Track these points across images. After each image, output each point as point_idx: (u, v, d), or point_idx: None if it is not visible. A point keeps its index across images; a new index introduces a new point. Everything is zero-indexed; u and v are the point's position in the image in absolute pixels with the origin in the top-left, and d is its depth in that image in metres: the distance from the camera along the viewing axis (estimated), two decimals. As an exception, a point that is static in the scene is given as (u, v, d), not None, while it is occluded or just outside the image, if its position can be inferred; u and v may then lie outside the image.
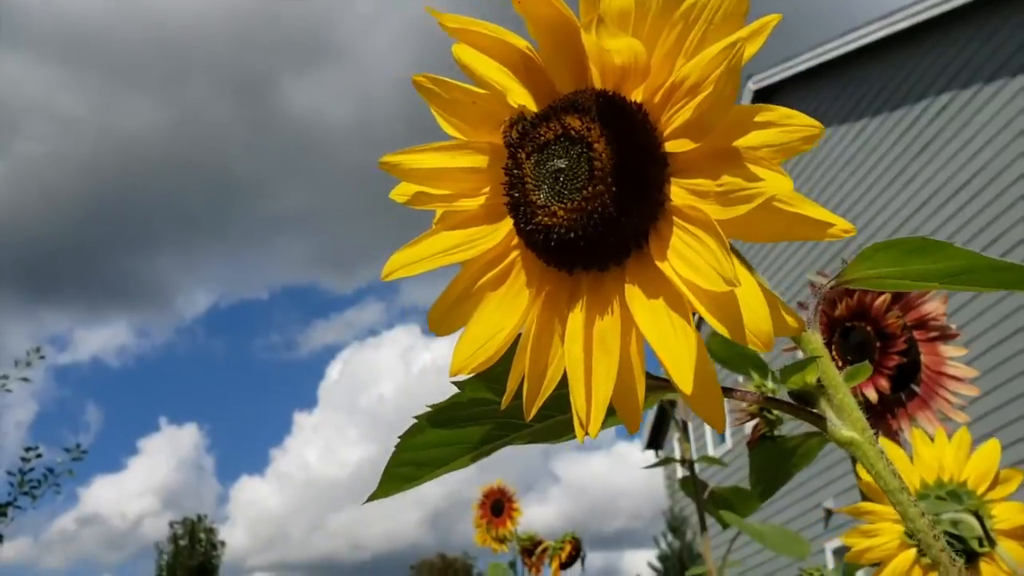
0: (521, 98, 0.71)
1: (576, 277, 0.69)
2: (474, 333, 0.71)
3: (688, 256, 0.61)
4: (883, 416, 1.44)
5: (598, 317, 0.66)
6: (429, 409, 0.79)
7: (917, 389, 1.43)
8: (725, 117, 0.60)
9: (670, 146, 0.64)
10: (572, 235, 0.65)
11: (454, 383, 0.75)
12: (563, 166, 0.65)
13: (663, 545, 22.24)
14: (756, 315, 0.58)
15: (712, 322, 0.59)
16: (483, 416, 0.78)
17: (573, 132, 0.65)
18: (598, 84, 0.67)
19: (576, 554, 3.36)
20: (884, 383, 1.36)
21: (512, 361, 0.70)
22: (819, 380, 0.70)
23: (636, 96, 0.66)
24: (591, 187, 0.64)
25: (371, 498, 0.85)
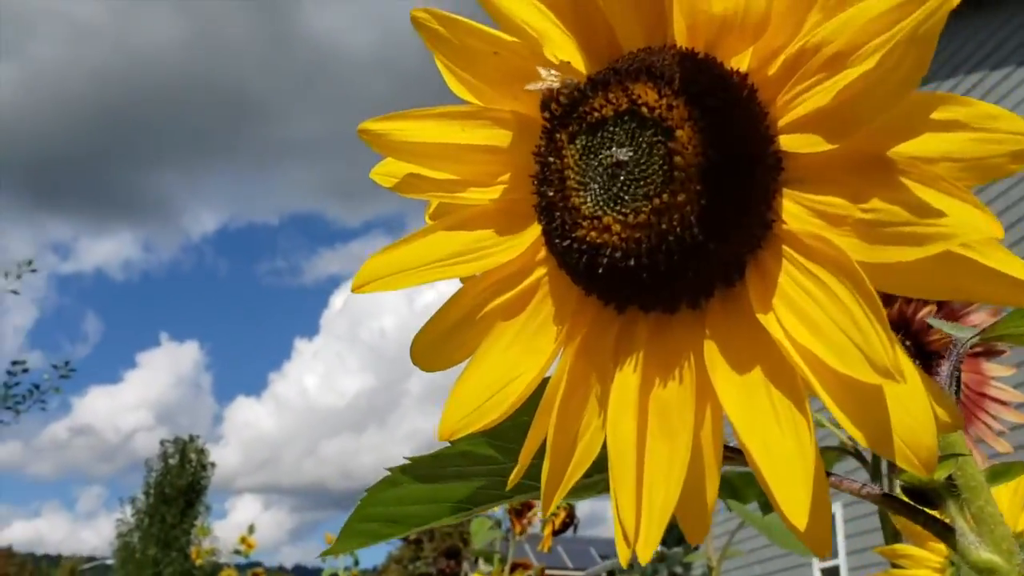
0: (565, 52, 0.50)
1: (629, 318, 0.48)
2: (479, 378, 0.51)
3: (807, 311, 0.41)
4: None
5: (660, 381, 0.46)
6: (406, 461, 0.59)
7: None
8: (892, 110, 0.39)
9: (789, 143, 0.43)
10: (632, 262, 0.44)
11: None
12: (626, 159, 0.44)
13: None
14: (915, 420, 0.38)
15: (843, 421, 0.39)
16: (475, 474, 0.59)
17: (645, 110, 0.44)
18: (682, 40, 0.46)
19: (569, 522, 3.26)
20: None
21: (530, 418, 0.50)
22: (950, 478, 0.50)
23: (739, 63, 0.45)
24: (667, 194, 0.43)
25: (326, 554, 0.66)
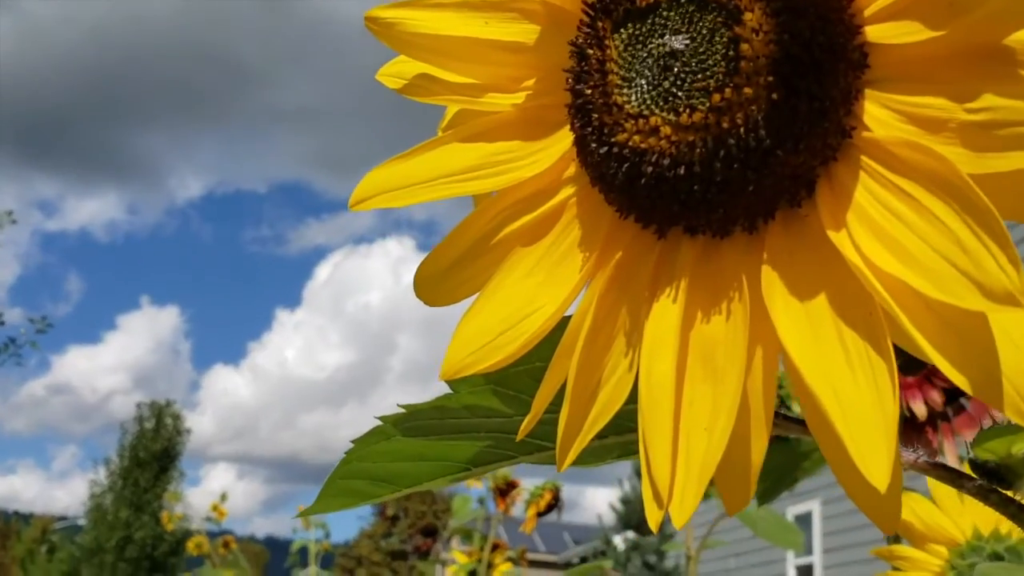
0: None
1: (671, 243, 0.41)
2: (490, 312, 0.44)
3: (895, 235, 0.34)
4: (922, 430, 1.20)
5: (704, 316, 0.39)
6: (401, 409, 0.52)
7: (966, 404, 1.19)
8: (1022, -18, 0.31)
9: (878, 33, 0.36)
10: (682, 170, 0.37)
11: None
12: (681, 47, 0.37)
13: (627, 488, 22.17)
14: (1031, 360, 0.31)
15: (939, 362, 0.32)
16: (479, 428, 0.52)
17: (706, -11, 0.37)
18: (752, -85, 0.39)
19: (555, 504, 3.19)
20: (936, 397, 1.10)
21: (544, 363, 0.43)
22: (1031, 453, 0.43)
23: (821, -60, 0.38)
24: (731, 89, 0.36)
25: (305, 513, 0.59)
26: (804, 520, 11.79)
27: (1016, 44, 0.33)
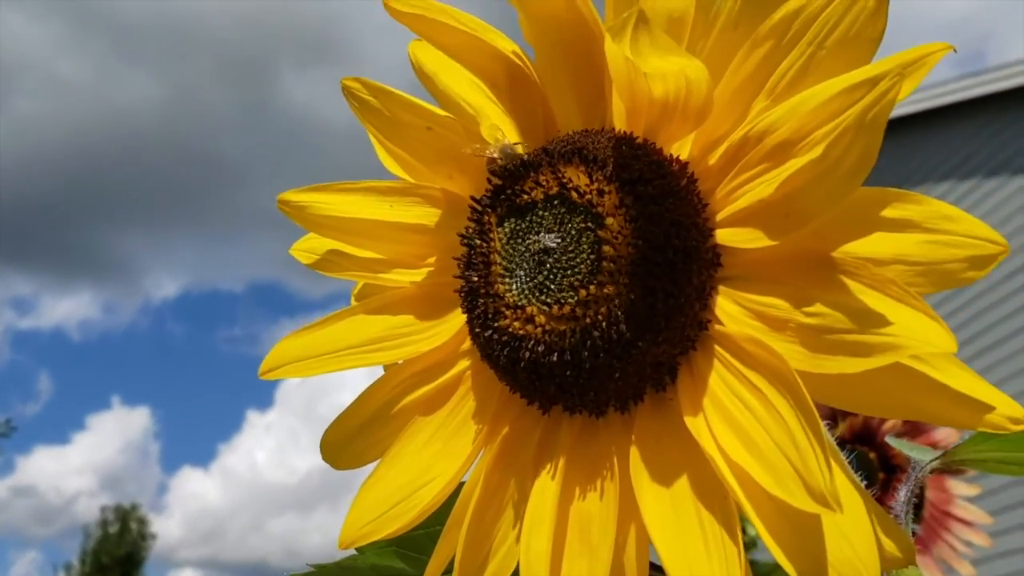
0: (500, 127, 0.46)
1: (554, 420, 0.44)
2: (388, 481, 0.46)
3: (742, 424, 0.37)
4: None
5: (581, 493, 0.41)
6: (310, 568, 0.53)
7: (916, 529, 1.20)
8: (839, 204, 0.35)
9: (727, 237, 0.39)
10: (555, 357, 0.40)
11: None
12: (553, 245, 0.41)
13: None
14: (856, 555, 0.34)
15: (774, 550, 0.35)
16: (391, 586, 0.53)
17: (575, 194, 0.41)
18: (621, 124, 0.43)
19: None
20: None
21: (440, 527, 0.45)
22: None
23: (679, 150, 0.42)
24: (594, 286, 0.39)
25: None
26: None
27: (843, 255, 0.36)
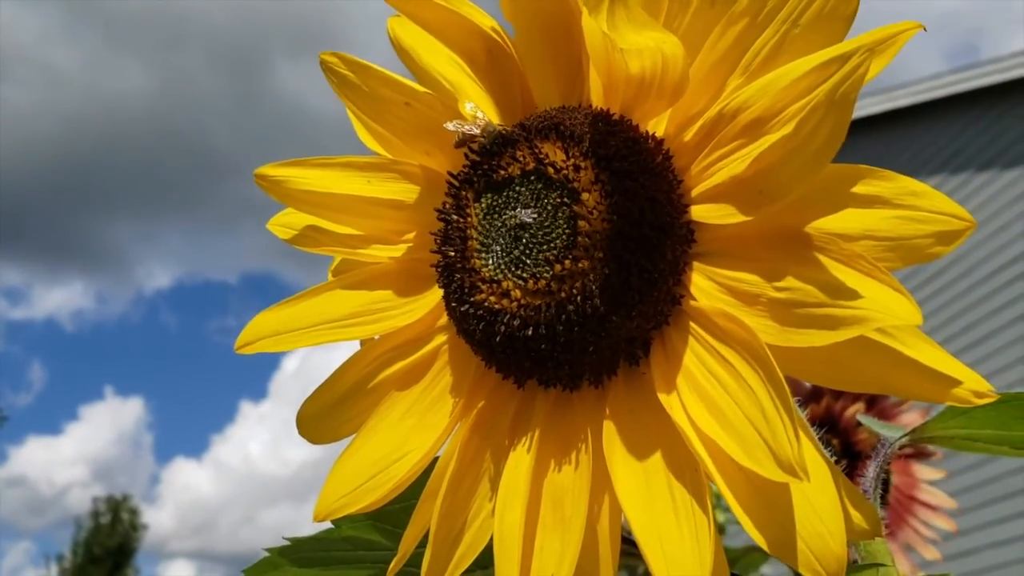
0: (478, 104, 0.47)
1: (528, 394, 0.44)
2: (364, 454, 0.46)
3: (713, 396, 0.37)
4: None
5: (555, 465, 0.42)
6: (287, 542, 0.53)
7: (883, 514, 1.21)
8: (810, 180, 0.36)
9: (700, 213, 0.40)
10: (530, 331, 0.41)
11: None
12: (529, 220, 0.41)
13: None
14: (824, 525, 0.34)
15: (743, 520, 0.35)
16: (362, 560, 0.53)
17: (551, 170, 0.41)
18: (598, 100, 0.43)
19: None
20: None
21: (415, 501, 0.45)
22: (874, 591, 0.46)
23: (655, 127, 0.42)
24: (569, 260, 0.39)
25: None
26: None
27: (814, 231, 0.37)
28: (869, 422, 0.57)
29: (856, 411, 1.12)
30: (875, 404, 1.16)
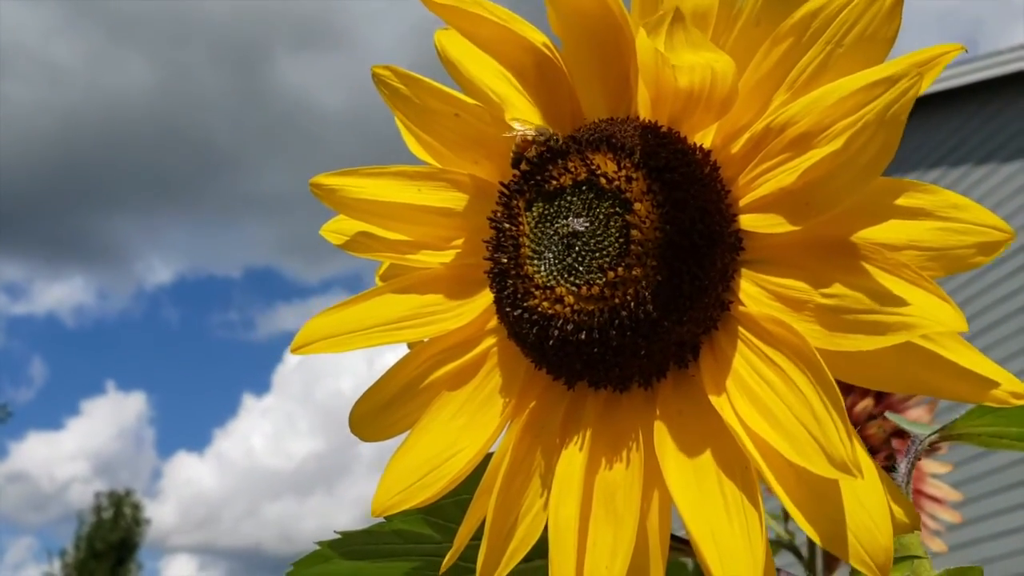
0: (527, 117, 0.48)
1: (579, 395, 0.46)
2: (417, 452, 0.48)
3: (763, 398, 0.39)
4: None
5: (606, 463, 0.44)
6: (337, 535, 0.55)
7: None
8: (857, 193, 0.37)
9: (749, 222, 0.42)
10: (583, 335, 0.42)
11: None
12: (582, 229, 0.43)
13: None
14: (872, 519, 0.36)
15: (796, 515, 0.37)
16: (411, 553, 0.55)
17: (603, 180, 0.43)
18: (645, 113, 0.45)
19: None
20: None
21: (470, 496, 0.47)
22: (907, 582, 0.48)
23: (703, 139, 0.44)
24: (623, 268, 0.41)
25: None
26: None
27: (859, 241, 0.38)
28: (897, 419, 0.59)
29: (865, 407, 1.14)
30: (881, 400, 1.18)
